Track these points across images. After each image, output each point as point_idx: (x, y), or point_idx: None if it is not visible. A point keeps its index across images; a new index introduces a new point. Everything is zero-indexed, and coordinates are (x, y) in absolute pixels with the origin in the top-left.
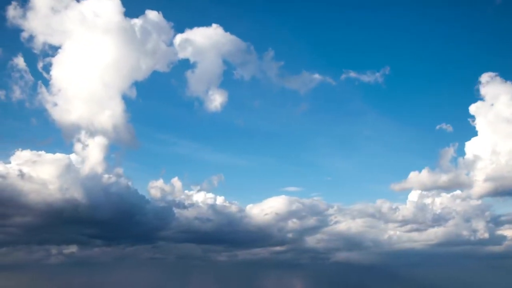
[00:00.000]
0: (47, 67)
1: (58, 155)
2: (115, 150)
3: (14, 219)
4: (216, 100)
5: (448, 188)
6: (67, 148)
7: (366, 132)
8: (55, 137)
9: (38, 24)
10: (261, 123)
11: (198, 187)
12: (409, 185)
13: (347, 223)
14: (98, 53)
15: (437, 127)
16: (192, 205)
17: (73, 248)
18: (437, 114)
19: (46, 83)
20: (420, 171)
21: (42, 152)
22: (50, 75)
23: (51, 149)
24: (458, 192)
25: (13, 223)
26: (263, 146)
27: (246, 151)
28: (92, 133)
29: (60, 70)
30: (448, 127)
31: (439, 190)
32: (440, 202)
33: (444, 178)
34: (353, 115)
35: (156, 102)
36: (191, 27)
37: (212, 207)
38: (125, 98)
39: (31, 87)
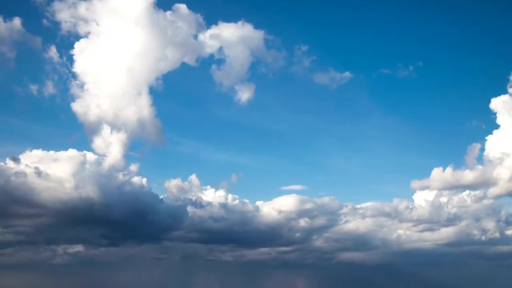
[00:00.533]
0: (72, 59)
1: (75, 153)
2: (139, 147)
3: (27, 218)
4: (245, 94)
5: (471, 186)
6: (87, 145)
7: (370, 132)
8: (77, 133)
9: (66, 13)
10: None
11: (208, 186)
12: (428, 184)
13: (357, 223)
14: (126, 44)
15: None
16: (206, 204)
17: (79, 247)
18: (461, 111)
19: (73, 76)
20: (444, 169)
21: (59, 150)
22: (76, 68)
23: (72, 146)
24: (475, 191)
25: (25, 221)
26: (271, 144)
27: (253, 150)
28: (115, 129)
29: (86, 62)
30: (475, 123)
31: (460, 189)
32: (457, 201)
33: (468, 176)
34: (361, 114)
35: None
36: (220, 21)
37: (224, 206)
38: (152, 92)
39: (60, 81)
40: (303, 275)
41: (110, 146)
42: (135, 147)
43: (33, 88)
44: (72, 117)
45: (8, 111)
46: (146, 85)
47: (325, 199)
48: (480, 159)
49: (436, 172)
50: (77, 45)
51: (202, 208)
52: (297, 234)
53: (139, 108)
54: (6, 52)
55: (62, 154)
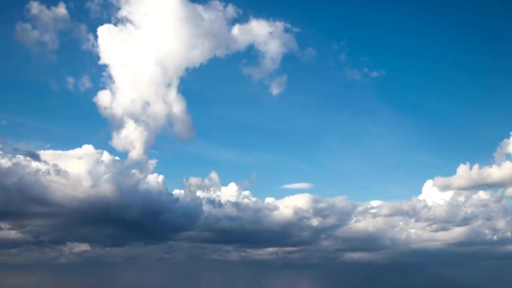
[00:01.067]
0: (100, 49)
1: (92, 150)
2: (164, 143)
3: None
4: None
5: (495, 185)
6: (107, 141)
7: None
8: (102, 128)
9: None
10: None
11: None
12: (450, 182)
13: (367, 222)
14: (157, 36)
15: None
16: (223, 203)
17: (85, 247)
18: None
19: (101, 68)
20: (470, 166)
21: (79, 146)
22: (104, 59)
23: (93, 142)
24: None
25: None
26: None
27: (256, 148)
28: (140, 124)
29: (115, 54)
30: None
31: (484, 186)
32: (476, 200)
33: (495, 174)
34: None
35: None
36: (252, 16)
37: (239, 204)
38: (182, 84)
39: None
40: (312, 274)
41: (132, 142)
42: (160, 143)
43: (71, 81)
44: (97, 111)
45: (30, 106)
46: (176, 78)
47: (338, 198)
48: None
49: (462, 169)
50: (106, 35)
51: (218, 207)
52: (306, 234)
53: (169, 103)
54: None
55: (79, 151)
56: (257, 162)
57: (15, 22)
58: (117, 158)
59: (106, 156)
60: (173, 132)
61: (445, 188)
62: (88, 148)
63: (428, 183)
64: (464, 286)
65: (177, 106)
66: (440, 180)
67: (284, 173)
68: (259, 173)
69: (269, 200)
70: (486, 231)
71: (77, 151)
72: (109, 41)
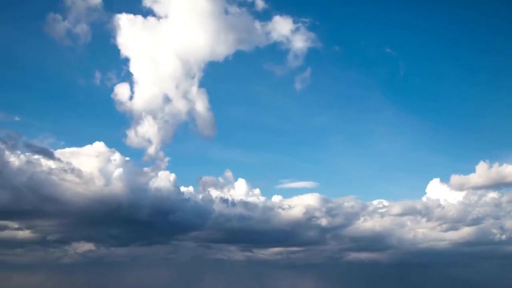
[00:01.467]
0: (123, 43)
1: (104, 148)
2: (185, 139)
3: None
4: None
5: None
6: (119, 138)
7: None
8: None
9: None
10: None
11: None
12: (466, 181)
13: (374, 222)
14: (180, 29)
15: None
16: (236, 202)
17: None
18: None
19: (124, 61)
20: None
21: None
22: (126, 52)
23: (107, 139)
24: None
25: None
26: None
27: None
28: (159, 121)
29: (138, 47)
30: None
31: (496, 187)
32: (489, 199)
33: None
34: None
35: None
36: (277, 13)
37: (247, 204)
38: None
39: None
40: (320, 273)
41: (149, 139)
42: (177, 140)
43: (97, 76)
44: (114, 107)
45: (46, 103)
46: (199, 73)
47: (347, 198)
48: None
49: (482, 167)
50: (127, 26)
51: (231, 206)
52: (313, 233)
53: (191, 99)
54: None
55: (90, 148)
56: (258, 161)
57: (47, 12)
58: (127, 158)
59: (117, 155)
60: (194, 129)
61: (460, 187)
62: (99, 146)
63: (436, 182)
64: (473, 285)
65: (200, 103)
66: (457, 178)
67: (289, 172)
68: (263, 172)
69: (276, 198)
70: (494, 231)
71: (88, 149)
72: (130, 33)
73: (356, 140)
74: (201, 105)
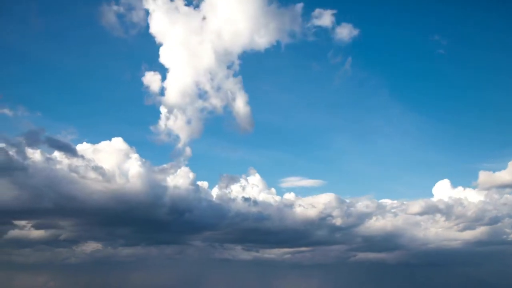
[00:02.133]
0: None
1: (124, 145)
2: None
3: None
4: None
5: None
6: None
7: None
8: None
9: None
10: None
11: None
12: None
13: (386, 221)
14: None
15: None
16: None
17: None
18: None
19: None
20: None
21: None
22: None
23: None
24: None
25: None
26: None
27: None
28: (191, 114)
29: (171, 39)
30: None
31: None
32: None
33: None
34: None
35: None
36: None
37: (264, 203)
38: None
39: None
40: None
41: (178, 133)
42: (208, 134)
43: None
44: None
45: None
46: (237, 64)
47: (361, 198)
48: None
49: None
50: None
51: (253, 205)
52: (325, 232)
53: (227, 92)
54: None
55: (108, 144)
56: (259, 160)
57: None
58: (143, 160)
59: (134, 154)
60: (230, 123)
61: (488, 185)
62: (118, 142)
63: (446, 182)
64: (486, 284)
65: (238, 96)
66: (486, 174)
67: (295, 170)
68: (269, 170)
69: (289, 196)
70: (507, 230)
71: (108, 145)
72: (163, 19)
73: (363, 138)
74: (239, 99)
